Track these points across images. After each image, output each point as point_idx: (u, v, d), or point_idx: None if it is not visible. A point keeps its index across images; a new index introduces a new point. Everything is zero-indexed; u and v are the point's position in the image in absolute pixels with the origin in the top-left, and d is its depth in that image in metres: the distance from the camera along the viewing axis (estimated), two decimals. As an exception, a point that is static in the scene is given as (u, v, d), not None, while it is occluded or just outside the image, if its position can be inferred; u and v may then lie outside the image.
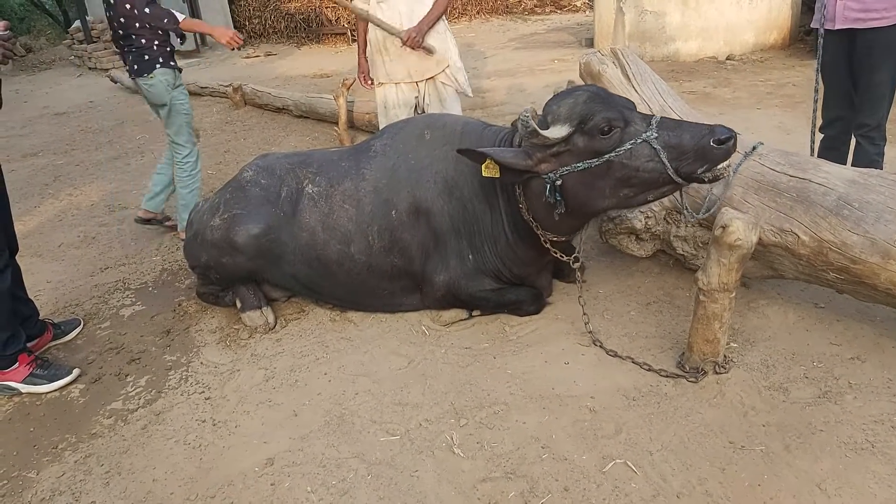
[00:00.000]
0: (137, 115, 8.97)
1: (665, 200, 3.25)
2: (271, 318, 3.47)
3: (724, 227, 2.42)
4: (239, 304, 3.50)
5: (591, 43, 10.55)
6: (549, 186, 2.75)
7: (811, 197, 2.74)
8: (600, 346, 2.97)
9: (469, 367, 2.97)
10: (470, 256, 3.22)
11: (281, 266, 3.42)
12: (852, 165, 3.61)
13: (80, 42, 14.25)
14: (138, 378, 3.16)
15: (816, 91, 3.84)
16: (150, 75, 4.32)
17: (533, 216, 2.97)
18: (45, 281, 4.25)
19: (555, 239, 3.02)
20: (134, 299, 3.93)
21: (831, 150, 3.83)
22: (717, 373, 2.74)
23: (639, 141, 2.59)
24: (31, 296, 3.52)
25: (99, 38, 13.83)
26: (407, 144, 3.35)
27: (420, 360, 3.06)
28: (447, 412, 2.71)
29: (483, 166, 2.82)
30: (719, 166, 2.58)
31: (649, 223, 3.28)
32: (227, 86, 8.99)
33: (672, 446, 2.42)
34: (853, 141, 3.81)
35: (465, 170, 3.16)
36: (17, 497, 2.51)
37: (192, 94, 9.68)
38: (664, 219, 3.29)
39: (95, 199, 5.83)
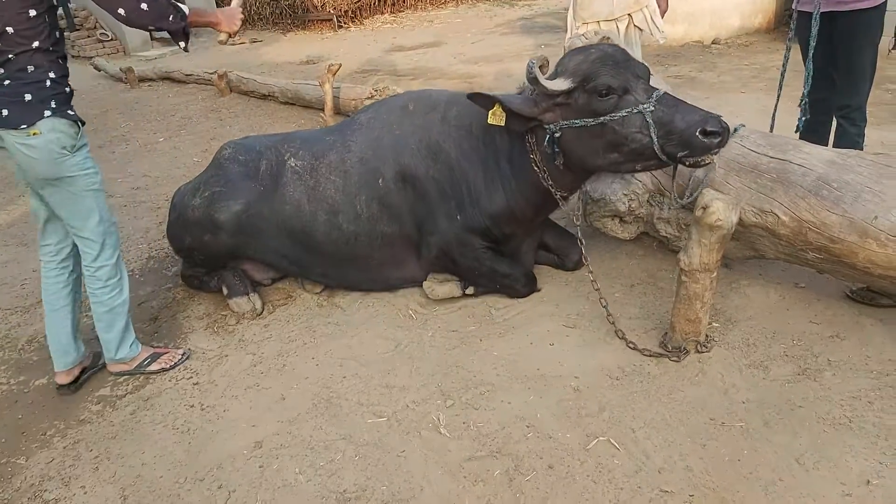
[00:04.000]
0: (122, 103, 8.89)
1: (648, 182, 3.28)
2: (258, 304, 3.48)
3: (704, 208, 2.46)
4: (226, 291, 3.51)
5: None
6: (548, 137, 2.83)
7: (791, 178, 2.77)
8: (620, 335, 2.93)
9: (455, 350, 3.00)
10: (458, 216, 3.24)
11: (264, 241, 3.46)
12: (833, 146, 3.65)
13: (64, 30, 14.09)
14: (126, 365, 3.17)
15: (784, 68, 3.86)
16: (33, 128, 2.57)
17: (545, 167, 3.00)
18: (30, 270, 4.23)
19: (560, 194, 3.07)
20: (121, 287, 3.92)
21: (812, 132, 3.86)
22: (698, 352, 2.79)
23: (634, 111, 2.65)
24: (18, 285, 3.50)
25: (82, 25, 13.66)
26: (391, 116, 3.41)
27: (407, 344, 3.09)
28: (434, 394, 2.74)
29: (490, 113, 2.87)
30: (703, 157, 2.59)
31: (633, 206, 3.31)
32: (211, 73, 8.92)
33: (654, 424, 2.46)
34: (834, 122, 3.84)
35: (451, 133, 3.24)
36: (6, 483, 2.52)
37: (176, 81, 9.68)
38: (647, 201, 3.32)
39: (80, 188, 5.80)
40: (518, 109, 2.82)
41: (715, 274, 2.63)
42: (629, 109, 2.65)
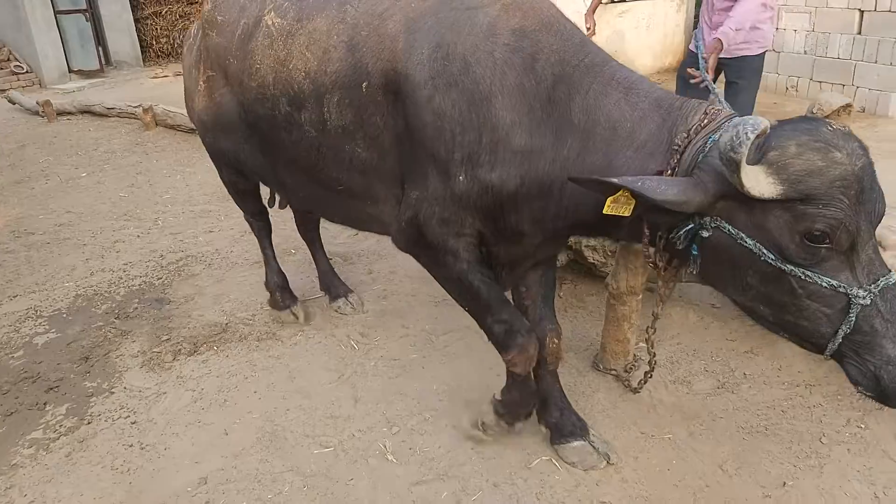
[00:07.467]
0: (39, 137, 8.57)
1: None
2: (301, 316, 3.62)
3: (629, 236, 2.64)
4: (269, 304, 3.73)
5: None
6: (690, 227, 1.78)
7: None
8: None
9: (399, 378, 3.07)
10: (461, 177, 2.10)
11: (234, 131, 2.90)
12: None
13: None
14: (58, 406, 3.07)
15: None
16: None
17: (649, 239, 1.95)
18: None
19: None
20: (47, 327, 3.79)
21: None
22: (626, 371, 2.96)
23: (839, 288, 1.65)
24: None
25: (-8, 57, 13.13)
26: None
27: (350, 374, 3.13)
28: (379, 422, 2.79)
29: (610, 200, 1.77)
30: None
31: (563, 234, 3.49)
32: (136, 107, 8.74)
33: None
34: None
35: (494, 54, 2.02)
36: (-69, 535, 2.41)
37: (97, 115, 9.42)
38: (576, 230, 3.51)
39: (0, 225, 5.57)
40: (672, 203, 1.68)
41: (640, 297, 2.82)
42: (836, 283, 1.65)
